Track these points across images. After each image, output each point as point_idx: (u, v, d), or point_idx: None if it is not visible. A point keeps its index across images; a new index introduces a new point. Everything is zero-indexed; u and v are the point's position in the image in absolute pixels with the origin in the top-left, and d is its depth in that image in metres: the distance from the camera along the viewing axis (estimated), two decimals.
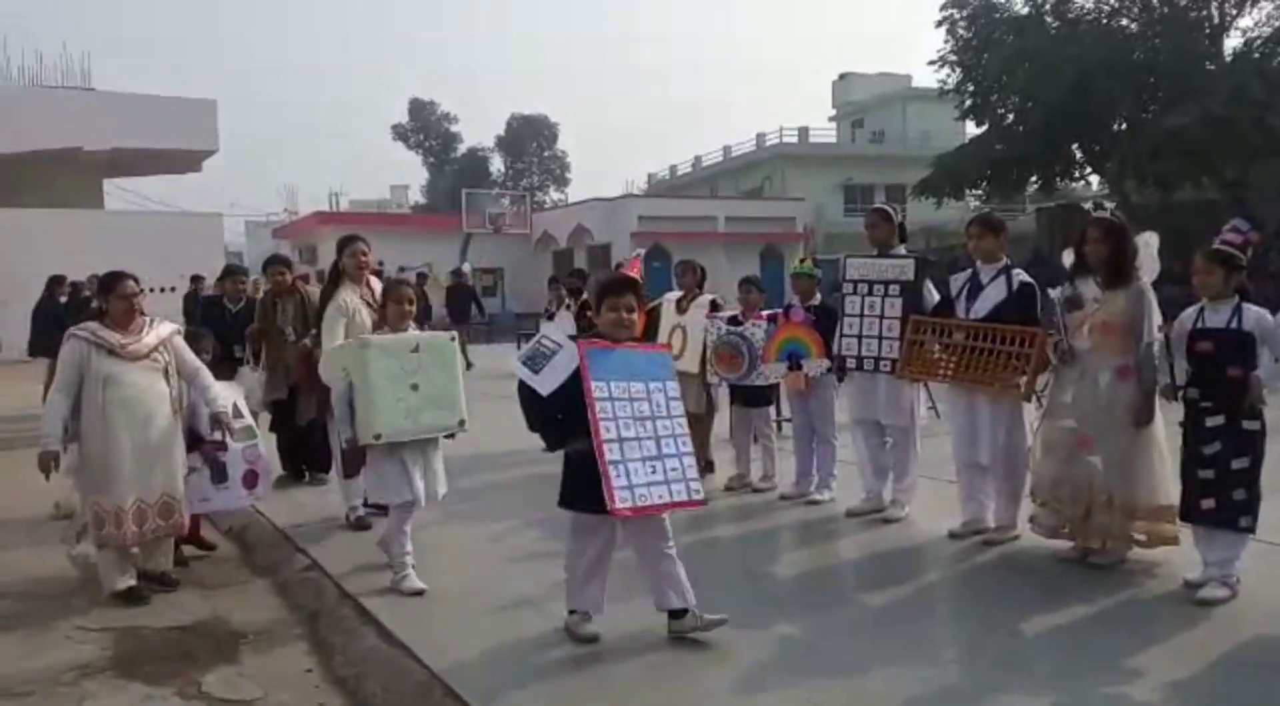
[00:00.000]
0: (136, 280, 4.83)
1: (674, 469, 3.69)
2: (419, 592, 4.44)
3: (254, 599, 4.82)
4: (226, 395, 5.24)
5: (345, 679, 3.72)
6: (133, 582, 4.71)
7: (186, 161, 27.05)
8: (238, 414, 5.27)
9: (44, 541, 5.80)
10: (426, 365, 4.52)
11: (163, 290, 16.46)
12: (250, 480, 5.24)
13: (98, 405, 4.57)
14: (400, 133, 52.01)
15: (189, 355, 5.01)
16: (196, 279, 15.67)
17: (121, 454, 4.58)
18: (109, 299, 4.77)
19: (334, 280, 5.74)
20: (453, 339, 4.77)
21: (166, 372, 4.79)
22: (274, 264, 7.46)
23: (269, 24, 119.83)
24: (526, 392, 3.81)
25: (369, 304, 5.64)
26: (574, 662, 3.67)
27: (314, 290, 7.54)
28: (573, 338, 3.84)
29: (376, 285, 6.02)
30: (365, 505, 5.81)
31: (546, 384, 3.72)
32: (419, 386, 4.46)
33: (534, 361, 3.78)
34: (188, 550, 5.37)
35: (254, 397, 6.99)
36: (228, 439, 5.11)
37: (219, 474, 5.11)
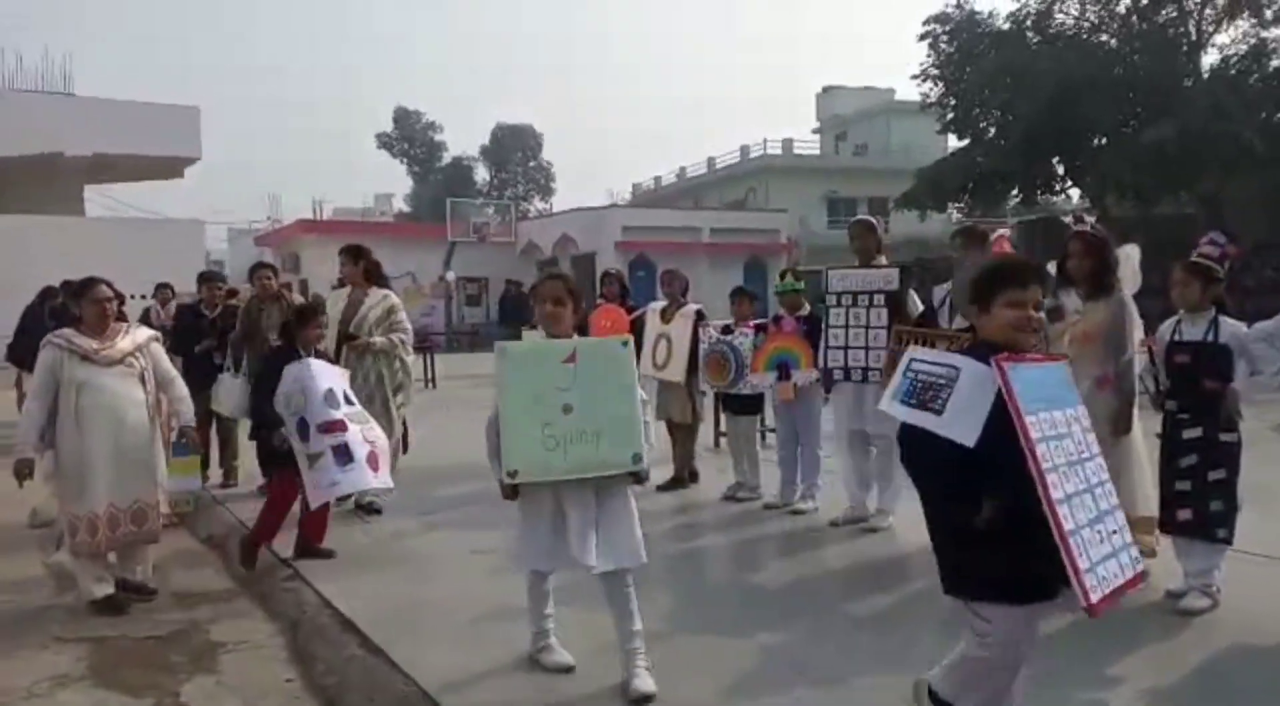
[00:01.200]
0: (110, 285, 4.80)
1: (1114, 531, 2.60)
2: (567, 668, 3.62)
3: (234, 608, 4.78)
4: (336, 379, 5.11)
5: (326, 688, 3.70)
6: (110, 591, 4.66)
7: (169, 168, 26.94)
8: (347, 400, 5.08)
9: (21, 549, 5.74)
10: (586, 380, 3.40)
11: (143, 297, 16.36)
12: (374, 461, 4.99)
13: (71, 411, 4.54)
14: (385, 141, 51.98)
15: (165, 362, 4.98)
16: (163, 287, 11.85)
17: (95, 460, 4.54)
18: (82, 304, 4.75)
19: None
20: (625, 344, 3.54)
21: (143, 378, 4.76)
22: (260, 269, 7.48)
23: (252, 31, 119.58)
24: (922, 443, 2.54)
25: (358, 302, 6.43)
26: (558, 674, 3.64)
27: (299, 298, 7.61)
28: (967, 352, 2.61)
29: (379, 292, 6.50)
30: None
31: (964, 428, 2.44)
32: (573, 408, 3.37)
33: (927, 397, 2.52)
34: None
35: (231, 403, 6.96)
36: (347, 420, 4.94)
37: (344, 456, 4.84)
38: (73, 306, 4.85)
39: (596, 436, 3.38)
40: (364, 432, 5.02)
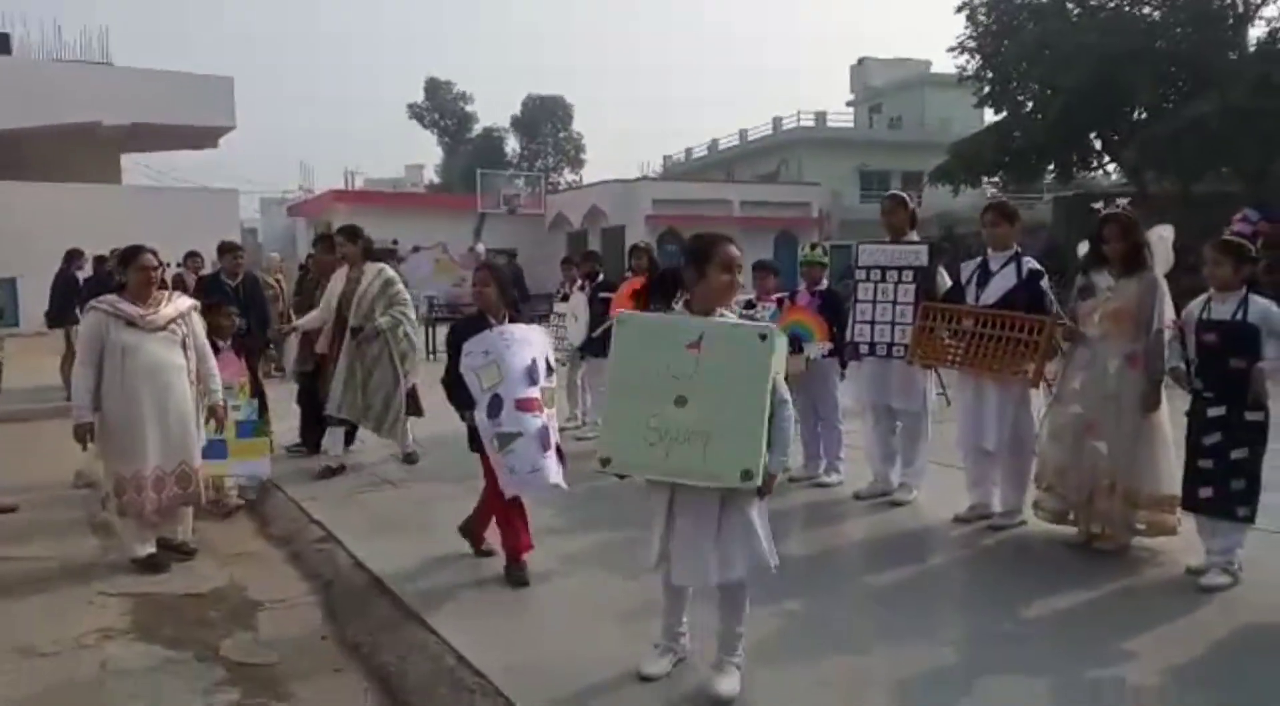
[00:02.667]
0: (155, 254, 4.93)
1: None
2: (645, 677, 3.30)
3: (270, 568, 4.92)
4: (538, 348, 4.33)
5: (359, 645, 3.82)
6: (152, 549, 4.83)
7: (204, 137, 27.21)
8: (548, 369, 4.34)
9: (66, 508, 5.93)
10: (710, 372, 2.92)
11: (178, 265, 16.65)
12: (560, 453, 4.31)
13: (118, 375, 4.67)
14: (416, 112, 52.09)
15: (202, 334, 5.11)
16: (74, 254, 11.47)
17: (142, 422, 4.69)
18: (128, 271, 4.87)
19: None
20: (764, 337, 2.97)
21: (184, 345, 4.89)
22: (321, 242, 7.66)
23: (285, 1, 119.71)
24: None
25: (356, 279, 6.70)
26: (584, 634, 3.74)
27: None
28: None
29: (374, 267, 6.76)
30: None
31: None
32: (688, 401, 2.92)
33: None
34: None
35: (288, 366, 7.28)
36: (543, 399, 4.20)
37: (544, 439, 4.16)
38: (119, 274, 4.96)
39: (705, 440, 2.91)
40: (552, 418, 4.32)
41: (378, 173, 46.99)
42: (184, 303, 5.02)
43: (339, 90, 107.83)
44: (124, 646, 3.90)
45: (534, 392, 4.15)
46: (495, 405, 4.12)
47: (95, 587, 4.56)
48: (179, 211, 21.74)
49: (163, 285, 5.01)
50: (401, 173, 47.69)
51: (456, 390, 4.32)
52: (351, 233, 6.88)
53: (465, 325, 4.53)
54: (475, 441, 4.33)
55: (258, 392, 5.91)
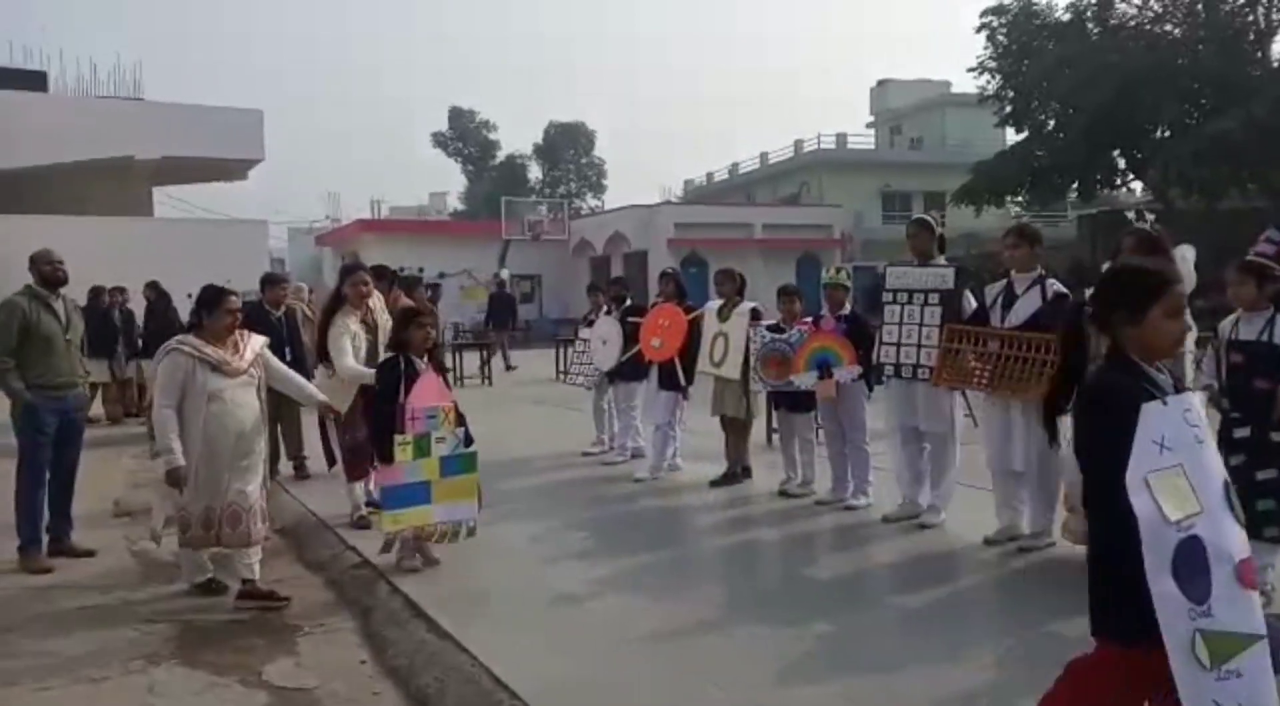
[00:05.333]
0: (238, 296, 4.93)
1: None
2: None
3: (309, 594, 5.00)
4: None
5: (398, 669, 3.89)
6: (210, 575, 4.96)
7: (233, 170, 27.66)
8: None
9: (107, 538, 6.05)
10: None
11: (188, 296, 16.95)
12: None
13: (199, 418, 4.65)
14: (440, 140, 52.75)
15: (275, 361, 5.20)
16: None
17: (222, 465, 4.69)
18: (215, 314, 4.79)
19: (335, 304, 6.19)
20: None
21: (259, 387, 4.92)
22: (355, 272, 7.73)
23: (311, 32, 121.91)
24: None
25: (366, 324, 6.15)
26: (616, 656, 3.80)
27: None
28: None
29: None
30: (367, 505, 6.09)
31: None
32: None
33: None
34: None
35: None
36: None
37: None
38: (202, 315, 4.83)
39: None
40: None
41: (402, 201, 47.52)
42: (257, 342, 4.99)
43: (366, 120, 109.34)
44: (169, 671, 4.00)
45: (1246, 543, 2.15)
46: (1197, 567, 2.07)
47: (140, 614, 4.66)
48: (210, 243, 22.05)
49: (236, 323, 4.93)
50: (426, 200, 48.26)
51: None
52: (381, 272, 6.55)
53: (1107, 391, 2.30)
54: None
55: (463, 420, 5.08)
